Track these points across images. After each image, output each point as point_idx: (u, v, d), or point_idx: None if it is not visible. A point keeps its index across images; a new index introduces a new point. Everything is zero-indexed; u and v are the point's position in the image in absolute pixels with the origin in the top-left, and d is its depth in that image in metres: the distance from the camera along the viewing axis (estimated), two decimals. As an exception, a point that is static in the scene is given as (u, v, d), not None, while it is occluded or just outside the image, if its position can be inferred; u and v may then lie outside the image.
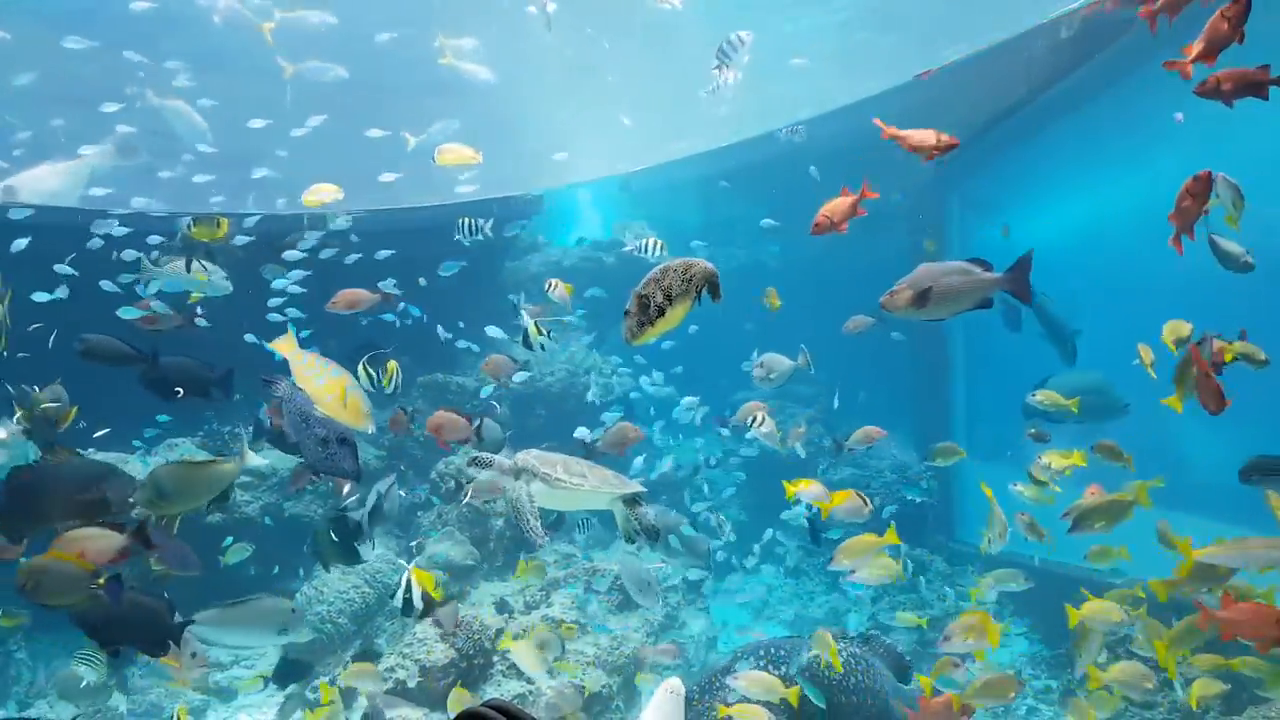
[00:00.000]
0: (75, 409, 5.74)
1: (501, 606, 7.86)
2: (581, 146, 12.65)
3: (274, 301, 7.93)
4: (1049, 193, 14.16)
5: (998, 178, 13.78)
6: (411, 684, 6.66)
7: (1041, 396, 6.58)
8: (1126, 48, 9.29)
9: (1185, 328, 4.75)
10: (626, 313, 3.20)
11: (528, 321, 6.19)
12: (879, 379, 13.34)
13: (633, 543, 4.34)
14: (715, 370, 11.21)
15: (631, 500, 4.28)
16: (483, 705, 1.14)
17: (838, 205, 4.48)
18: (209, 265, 6.60)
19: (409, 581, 5.31)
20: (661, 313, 3.16)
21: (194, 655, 5.17)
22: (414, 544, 8.97)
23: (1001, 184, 13.91)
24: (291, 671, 6.61)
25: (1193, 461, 9.06)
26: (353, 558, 6.10)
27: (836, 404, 10.73)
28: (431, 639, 6.88)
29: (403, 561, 9.01)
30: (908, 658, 6.49)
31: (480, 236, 7.09)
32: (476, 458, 4.28)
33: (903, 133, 4.18)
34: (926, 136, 4.15)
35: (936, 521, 11.61)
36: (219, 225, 6.70)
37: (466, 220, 7.08)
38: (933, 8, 9.68)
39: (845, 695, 5.63)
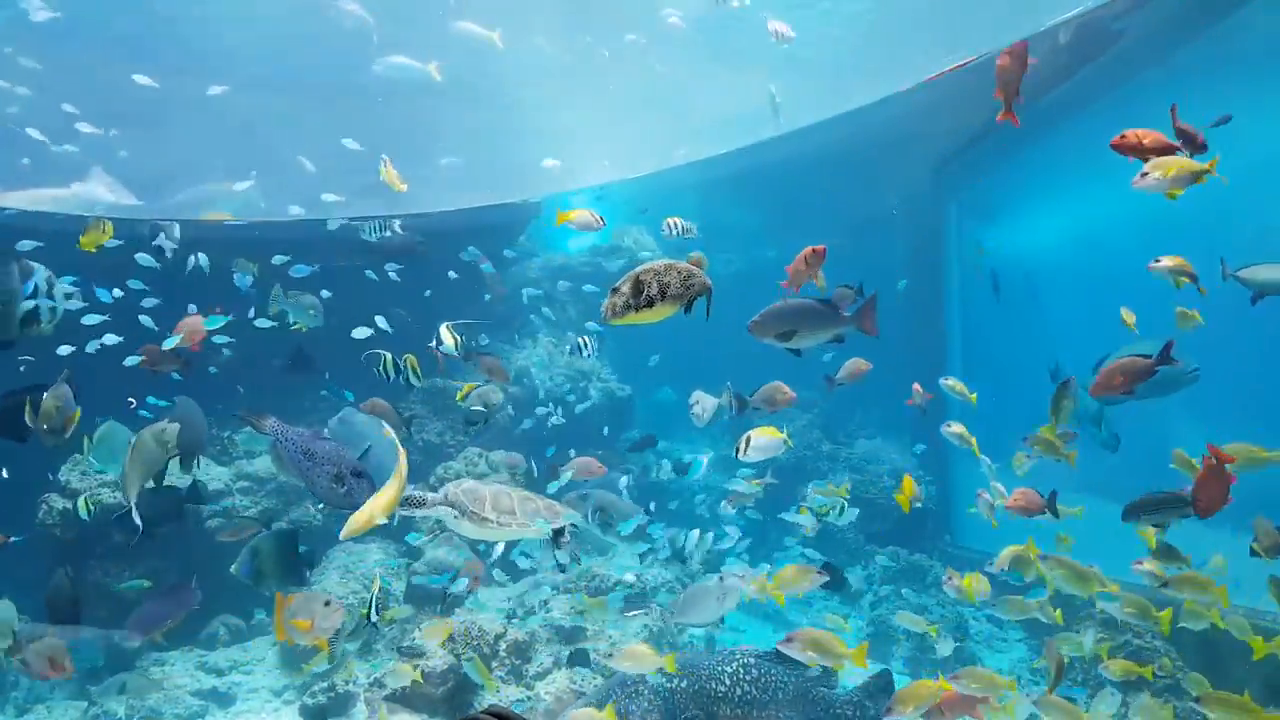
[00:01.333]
0: (79, 411, 5.90)
1: (508, 613, 7.87)
2: (579, 153, 12.65)
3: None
4: (1047, 198, 14.17)
5: (996, 184, 13.80)
6: (410, 690, 6.64)
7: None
8: (1122, 54, 9.34)
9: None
10: (615, 290, 3.20)
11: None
12: (876, 382, 13.32)
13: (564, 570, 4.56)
14: (716, 375, 11.19)
15: (559, 530, 4.50)
16: (482, 712, 1.14)
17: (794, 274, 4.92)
18: (310, 298, 7.20)
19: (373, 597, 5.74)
20: (650, 304, 3.16)
21: (328, 604, 5.20)
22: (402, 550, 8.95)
23: (1000, 190, 13.93)
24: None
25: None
26: (299, 578, 5.88)
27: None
28: (430, 645, 6.84)
29: (397, 566, 9.00)
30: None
31: (389, 234, 7.25)
32: (409, 498, 4.39)
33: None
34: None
35: (936, 526, 11.60)
36: (104, 230, 7.18)
37: (374, 221, 7.25)
38: (933, 15, 9.70)
39: (730, 707, 5.80)
